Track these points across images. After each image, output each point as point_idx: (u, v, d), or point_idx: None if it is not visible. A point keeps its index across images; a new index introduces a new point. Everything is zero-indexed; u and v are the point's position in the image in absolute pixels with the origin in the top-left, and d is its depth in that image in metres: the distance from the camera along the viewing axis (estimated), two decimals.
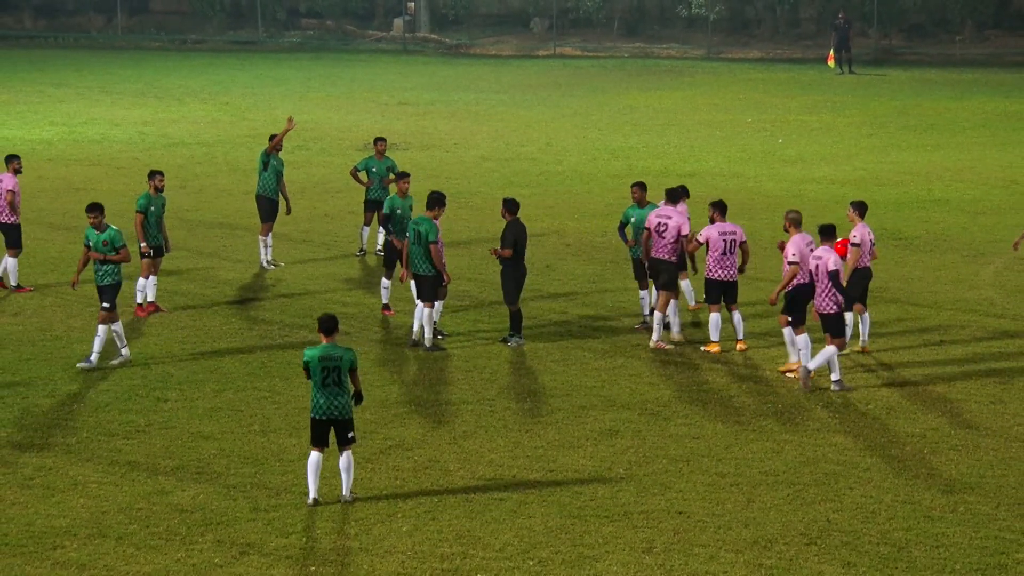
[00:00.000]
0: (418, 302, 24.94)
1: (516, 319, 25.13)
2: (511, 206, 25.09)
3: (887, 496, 18.54)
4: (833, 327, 22.80)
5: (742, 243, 24.87)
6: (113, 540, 17.24)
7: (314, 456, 18.32)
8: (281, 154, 30.71)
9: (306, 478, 18.40)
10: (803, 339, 23.17)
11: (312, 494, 18.27)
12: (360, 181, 31.11)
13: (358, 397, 18.58)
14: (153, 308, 26.89)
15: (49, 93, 58.72)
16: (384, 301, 27.11)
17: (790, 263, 23.21)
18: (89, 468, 19.45)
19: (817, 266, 22.89)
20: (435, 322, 24.99)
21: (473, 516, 17.90)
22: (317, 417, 18.38)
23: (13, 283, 28.49)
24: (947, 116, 52.92)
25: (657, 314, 24.99)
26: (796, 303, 23.39)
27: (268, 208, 30.52)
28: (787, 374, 23.45)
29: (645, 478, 19.16)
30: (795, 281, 23.27)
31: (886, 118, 52.51)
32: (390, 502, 18.34)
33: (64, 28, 79.40)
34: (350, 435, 18.38)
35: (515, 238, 24.88)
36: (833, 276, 22.65)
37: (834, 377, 22.76)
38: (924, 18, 73.04)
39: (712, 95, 58.87)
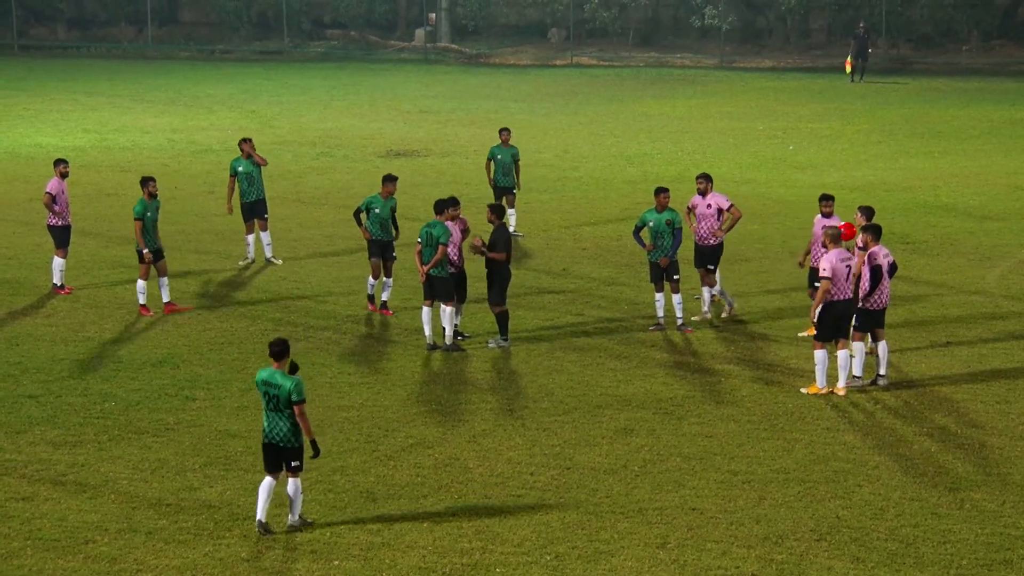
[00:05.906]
0: (425, 306, 25.30)
1: (502, 320, 25.37)
2: (499, 212, 25.47)
3: (895, 493, 18.67)
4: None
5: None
6: (143, 535, 17.44)
7: (264, 481, 17.65)
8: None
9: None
10: (843, 355, 22.78)
11: (258, 515, 17.58)
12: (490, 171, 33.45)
13: (313, 448, 17.61)
14: (172, 308, 27.23)
15: (82, 101, 58.55)
16: (369, 294, 27.69)
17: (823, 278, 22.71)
18: (120, 465, 19.66)
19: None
20: (456, 324, 25.31)
21: (492, 512, 18.07)
22: (264, 440, 17.81)
23: (56, 282, 28.75)
24: (954, 124, 52.58)
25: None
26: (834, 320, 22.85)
27: (246, 211, 31.16)
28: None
29: (659, 475, 19.31)
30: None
31: (894, 125, 52.18)
32: (411, 498, 18.52)
33: (96, 39, 79.50)
34: (293, 464, 17.60)
35: (506, 242, 25.30)
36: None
37: (856, 373, 22.98)
38: (931, 28, 72.83)
39: (725, 103, 58.72)
